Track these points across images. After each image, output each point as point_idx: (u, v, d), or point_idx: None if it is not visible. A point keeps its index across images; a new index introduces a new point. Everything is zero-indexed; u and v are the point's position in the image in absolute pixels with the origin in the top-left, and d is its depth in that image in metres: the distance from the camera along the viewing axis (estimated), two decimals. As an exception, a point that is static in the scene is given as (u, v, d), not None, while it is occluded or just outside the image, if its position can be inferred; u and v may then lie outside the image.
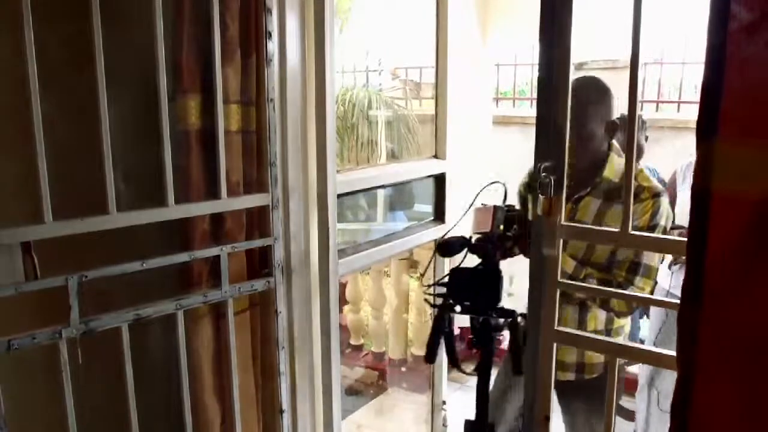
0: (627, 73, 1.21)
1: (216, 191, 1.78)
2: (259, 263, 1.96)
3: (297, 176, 2.01)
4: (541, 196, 1.30)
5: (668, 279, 2.73)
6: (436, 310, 1.66)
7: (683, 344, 0.92)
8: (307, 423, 2.16)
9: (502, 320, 1.59)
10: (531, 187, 2.02)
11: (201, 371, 1.86)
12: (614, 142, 2.00)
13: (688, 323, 0.91)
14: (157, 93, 1.63)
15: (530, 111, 5.87)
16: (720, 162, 0.85)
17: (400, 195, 3.01)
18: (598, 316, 1.97)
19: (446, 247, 1.74)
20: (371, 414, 3.72)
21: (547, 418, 1.42)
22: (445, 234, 1.82)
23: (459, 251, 1.70)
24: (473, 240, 1.68)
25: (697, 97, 0.89)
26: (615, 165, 1.94)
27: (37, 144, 1.43)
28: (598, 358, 2.00)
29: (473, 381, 1.74)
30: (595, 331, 1.95)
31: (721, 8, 0.82)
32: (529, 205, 2.02)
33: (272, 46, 1.86)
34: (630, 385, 3.43)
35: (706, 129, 0.86)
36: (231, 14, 1.77)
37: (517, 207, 2.06)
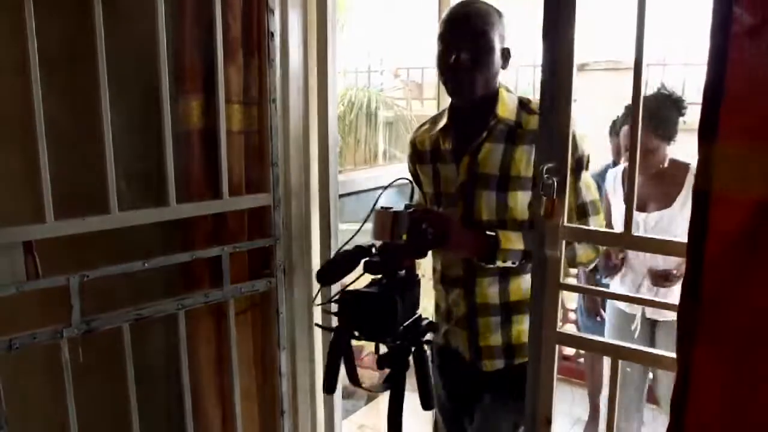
0: (629, 74, 1.21)
1: (218, 191, 1.78)
2: (261, 263, 1.96)
3: (299, 176, 2.01)
4: (543, 197, 1.29)
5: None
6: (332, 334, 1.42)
7: (682, 343, 0.92)
8: (308, 423, 2.16)
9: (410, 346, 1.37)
10: (417, 154, 1.75)
11: (202, 371, 1.87)
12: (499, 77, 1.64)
13: (687, 322, 0.91)
14: (159, 93, 1.63)
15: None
16: (720, 163, 0.85)
17: (403, 195, 3.00)
18: (521, 287, 1.64)
19: (329, 270, 1.44)
20: (372, 414, 3.72)
21: (549, 420, 1.42)
22: (340, 249, 1.46)
23: (352, 269, 1.43)
24: (372, 251, 1.42)
25: (699, 99, 0.89)
26: (508, 102, 1.60)
27: (39, 143, 1.43)
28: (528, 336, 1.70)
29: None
30: (519, 302, 1.63)
31: (723, 11, 0.82)
32: (422, 179, 1.74)
33: (274, 46, 1.86)
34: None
35: (707, 130, 0.86)
36: (233, 14, 1.77)
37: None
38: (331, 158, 2.01)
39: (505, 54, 1.58)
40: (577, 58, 1.28)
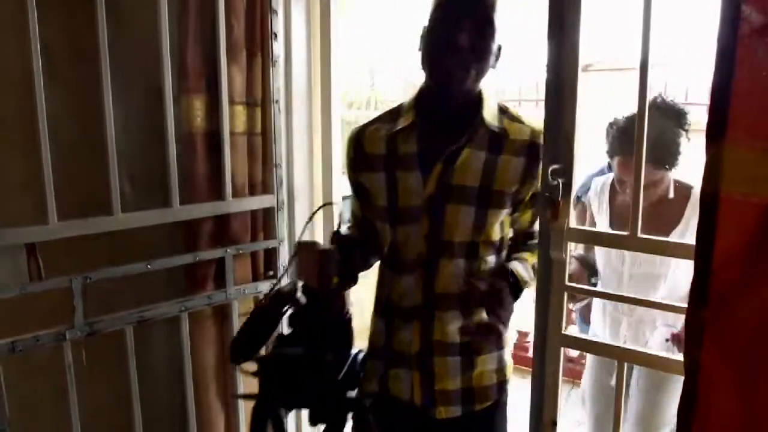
0: (631, 75, 1.20)
1: (221, 193, 1.78)
2: (264, 265, 1.96)
3: (302, 178, 2.01)
4: (549, 199, 1.28)
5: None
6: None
7: (690, 346, 0.91)
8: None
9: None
10: (364, 158, 1.42)
11: (205, 373, 1.86)
12: None
13: (694, 325, 0.90)
14: (162, 94, 1.63)
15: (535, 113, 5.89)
16: (728, 165, 0.84)
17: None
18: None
19: (247, 340, 1.15)
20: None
21: (554, 423, 1.41)
22: (260, 304, 1.20)
23: (275, 327, 1.16)
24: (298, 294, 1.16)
25: (705, 99, 0.88)
26: (492, 106, 1.37)
27: (42, 145, 1.43)
28: (490, 378, 1.43)
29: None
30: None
31: (731, 10, 0.81)
32: (371, 190, 1.40)
33: (278, 46, 1.86)
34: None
35: (715, 132, 0.85)
36: (236, 15, 1.77)
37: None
38: (335, 159, 2.01)
39: (498, 50, 1.36)
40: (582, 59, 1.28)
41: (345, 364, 1.16)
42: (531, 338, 3.68)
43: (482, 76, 1.34)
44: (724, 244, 0.85)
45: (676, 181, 1.98)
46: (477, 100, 1.36)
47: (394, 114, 1.43)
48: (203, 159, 1.77)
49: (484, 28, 1.29)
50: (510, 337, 1.45)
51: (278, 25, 1.86)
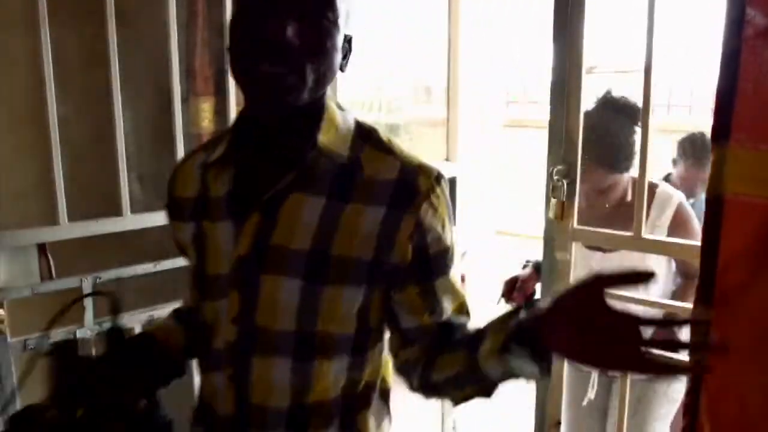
0: (635, 77, 1.21)
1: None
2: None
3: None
4: (553, 200, 1.30)
5: None
6: None
7: (695, 346, 0.92)
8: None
9: None
10: (173, 202, 1.00)
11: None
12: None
13: (700, 325, 0.91)
14: (171, 95, 1.64)
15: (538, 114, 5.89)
16: (733, 167, 0.85)
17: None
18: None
19: None
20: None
21: (559, 423, 1.42)
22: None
23: None
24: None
25: (709, 102, 0.89)
26: (339, 124, 0.90)
27: (53, 147, 1.45)
28: None
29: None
30: None
31: (736, 13, 0.82)
32: (185, 247, 0.99)
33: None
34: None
35: (720, 133, 0.86)
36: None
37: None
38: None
39: (347, 45, 0.89)
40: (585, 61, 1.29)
41: None
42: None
43: (324, 84, 0.87)
44: (729, 244, 0.86)
45: (635, 180, 1.66)
46: (317, 116, 0.89)
47: (217, 140, 0.97)
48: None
49: (322, 11, 0.82)
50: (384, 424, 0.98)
51: (285, 27, 1.87)
